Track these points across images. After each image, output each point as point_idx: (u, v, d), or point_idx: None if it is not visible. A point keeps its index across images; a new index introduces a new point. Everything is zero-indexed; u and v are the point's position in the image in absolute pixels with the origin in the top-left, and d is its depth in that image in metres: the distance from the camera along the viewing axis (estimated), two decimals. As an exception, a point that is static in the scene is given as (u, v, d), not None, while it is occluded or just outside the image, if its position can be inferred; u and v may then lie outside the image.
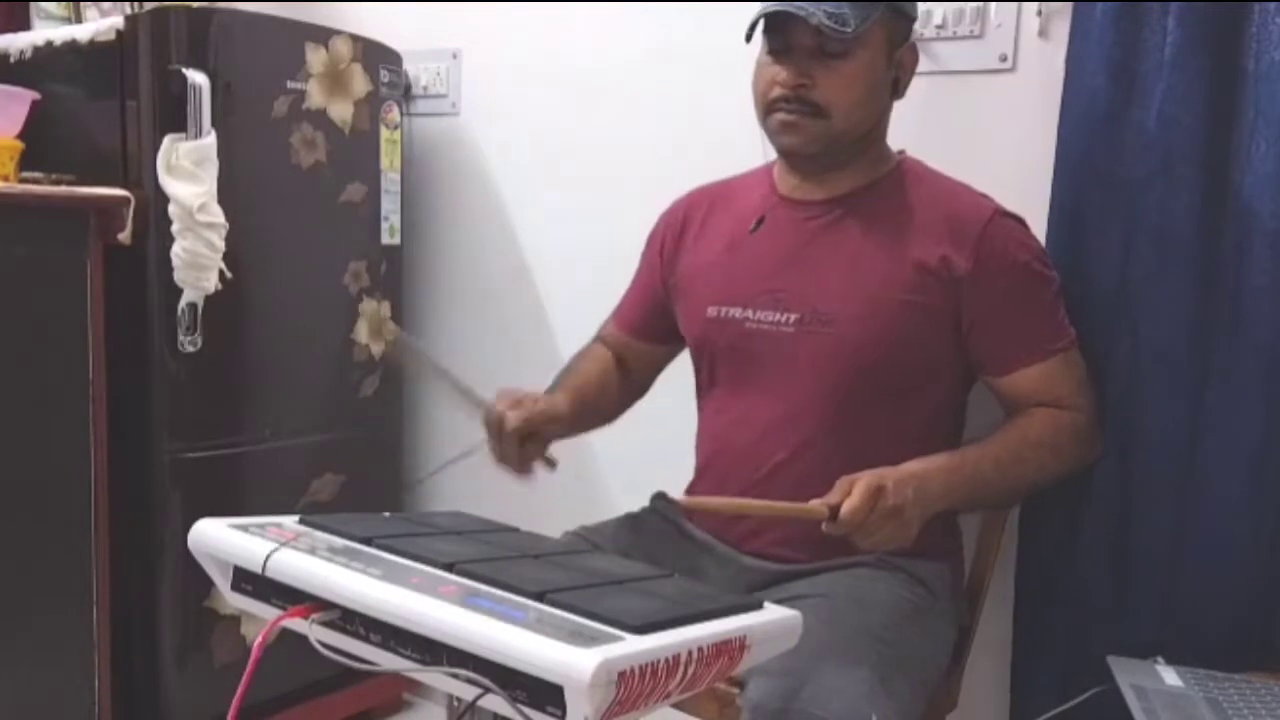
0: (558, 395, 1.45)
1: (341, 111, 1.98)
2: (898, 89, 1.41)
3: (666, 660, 0.83)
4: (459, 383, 1.38)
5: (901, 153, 1.47)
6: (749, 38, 1.36)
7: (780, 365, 1.39)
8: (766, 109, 1.38)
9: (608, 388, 1.58)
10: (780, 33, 1.34)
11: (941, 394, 1.40)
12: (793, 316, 1.38)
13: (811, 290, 1.38)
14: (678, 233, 1.55)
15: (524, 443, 1.35)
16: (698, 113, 1.87)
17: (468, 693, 0.82)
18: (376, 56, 2.05)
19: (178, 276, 1.74)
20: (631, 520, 1.50)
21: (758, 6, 1.34)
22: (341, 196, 2.00)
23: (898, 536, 1.20)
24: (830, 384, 1.36)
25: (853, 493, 1.17)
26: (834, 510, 1.17)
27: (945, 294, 1.34)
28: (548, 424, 1.37)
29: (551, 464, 1.39)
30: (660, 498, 1.51)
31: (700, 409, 1.53)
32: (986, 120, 1.62)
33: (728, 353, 1.44)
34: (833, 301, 1.36)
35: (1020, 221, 1.39)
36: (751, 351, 1.41)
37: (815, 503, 1.19)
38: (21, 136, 1.72)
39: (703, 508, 1.40)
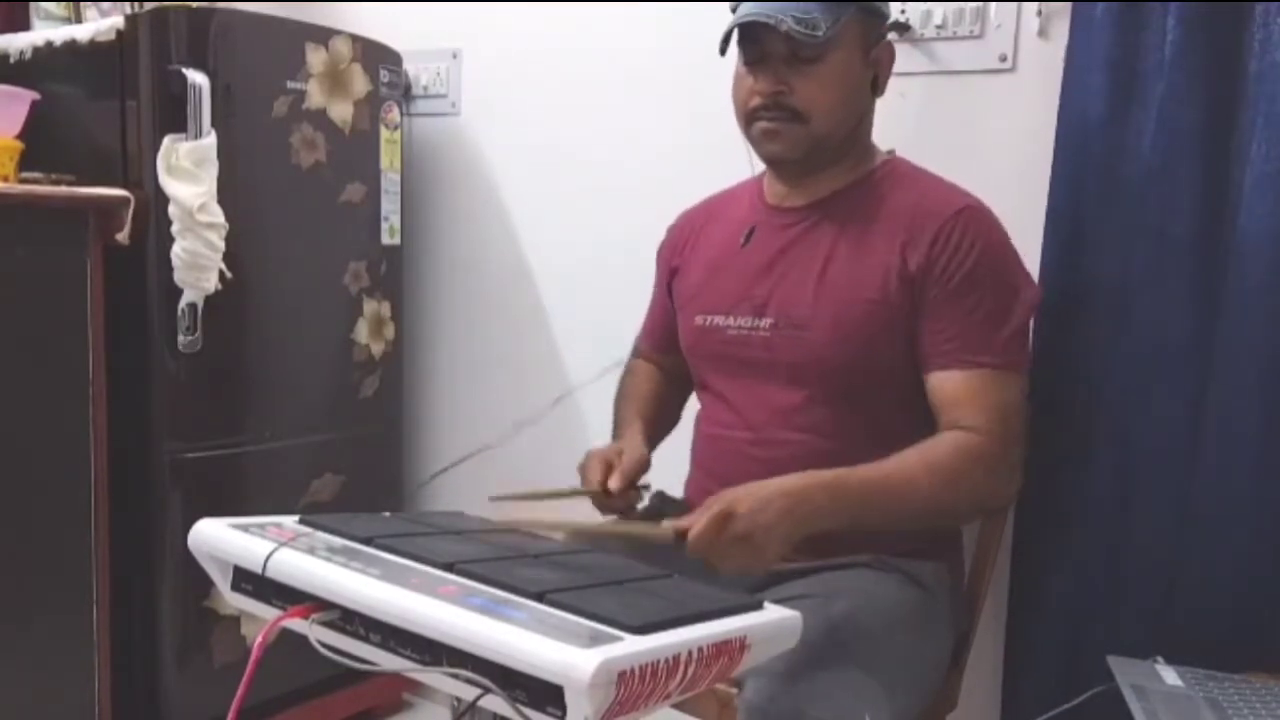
0: (635, 434, 1.48)
1: (341, 111, 1.98)
2: (877, 87, 1.42)
3: (666, 660, 0.83)
4: (554, 490, 1.41)
5: (890, 153, 1.47)
6: (723, 50, 1.37)
7: (760, 370, 1.40)
8: (748, 119, 1.39)
9: (666, 400, 1.64)
10: (754, 42, 1.35)
11: (921, 393, 1.39)
12: (768, 321, 1.39)
13: (785, 296, 1.39)
14: (677, 250, 1.58)
15: (626, 494, 1.38)
16: (698, 112, 1.86)
17: (468, 693, 0.83)
18: (376, 56, 2.05)
19: (178, 276, 1.73)
20: (632, 520, 1.50)
21: (731, 19, 1.35)
22: (341, 196, 2.00)
23: (752, 561, 1.16)
24: (806, 387, 1.36)
25: (700, 518, 1.14)
26: (681, 534, 1.14)
27: (904, 291, 1.32)
28: (640, 471, 1.41)
29: (648, 487, 1.44)
30: (660, 498, 1.51)
31: (698, 413, 1.54)
32: (986, 120, 1.62)
33: (714, 360, 1.46)
34: (804, 306, 1.37)
35: (993, 220, 1.35)
36: (734, 357, 1.42)
37: (666, 524, 1.16)
38: (21, 136, 1.72)
39: (575, 530, 1.32)
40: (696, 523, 1.13)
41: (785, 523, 1.16)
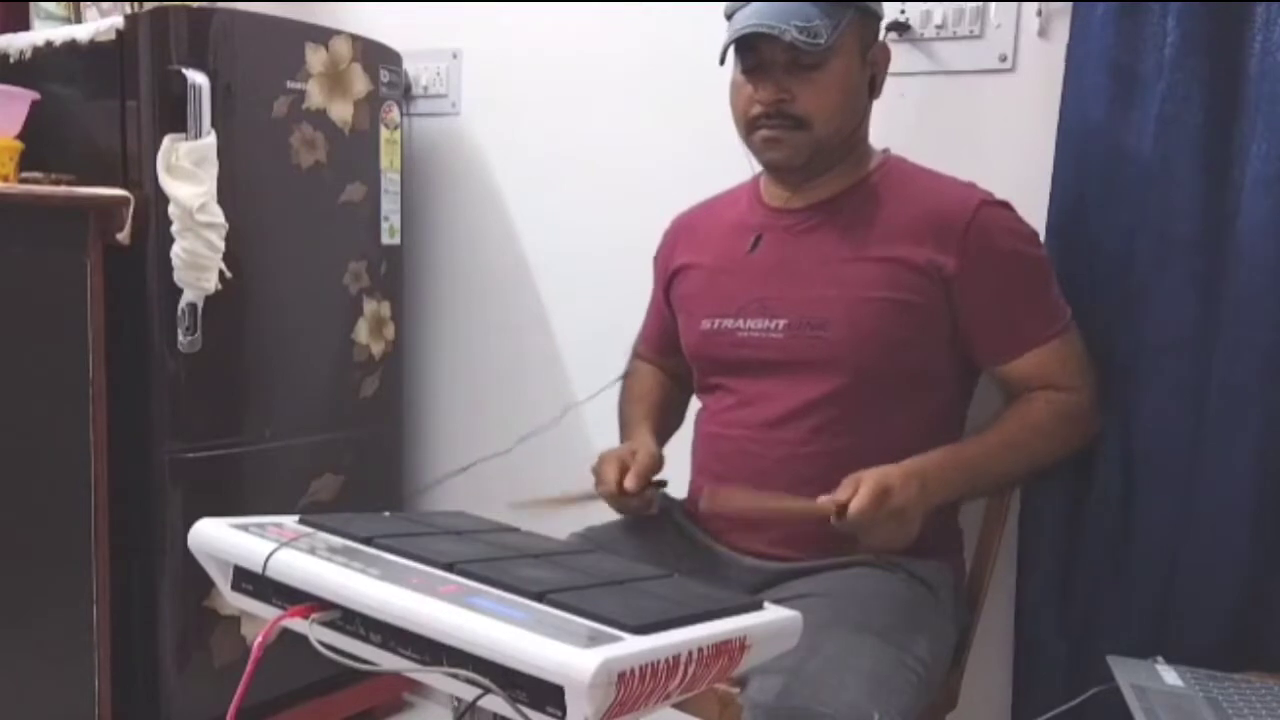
0: (646, 434, 1.51)
1: (341, 111, 1.98)
2: (874, 88, 1.42)
3: (667, 661, 0.83)
4: (574, 495, 1.45)
5: (886, 152, 1.47)
6: (723, 60, 1.36)
7: (773, 371, 1.40)
8: (748, 127, 1.40)
9: (671, 401, 1.66)
10: (753, 50, 1.35)
11: (940, 392, 1.40)
12: (781, 323, 1.39)
13: (799, 297, 1.39)
14: (674, 253, 1.58)
15: (642, 493, 1.40)
16: (698, 112, 1.86)
17: (468, 693, 0.83)
18: (376, 56, 2.05)
19: (178, 276, 1.73)
20: (633, 522, 1.50)
21: (730, 25, 1.35)
22: (341, 196, 2.00)
23: (901, 534, 1.24)
24: (826, 387, 1.36)
25: (860, 491, 1.20)
26: (841, 508, 1.19)
27: (934, 294, 1.34)
28: (654, 468, 1.43)
29: (664, 484, 1.47)
30: (661, 497, 1.52)
31: (698, 414, 1.54)
32: (986, 120, 1.62)
33: (723, 362, 1.46)
34: (821, 307, 1.37)
35: (1006, 207, 1.38)
36: (745, 359, 1.43)
37: (823, 499, 1.21)
38: (21, 136, 1.72)
39: (723, 509, 1.40)
40: (857, 496, 1.19)
41: (926, 498, 1.25)
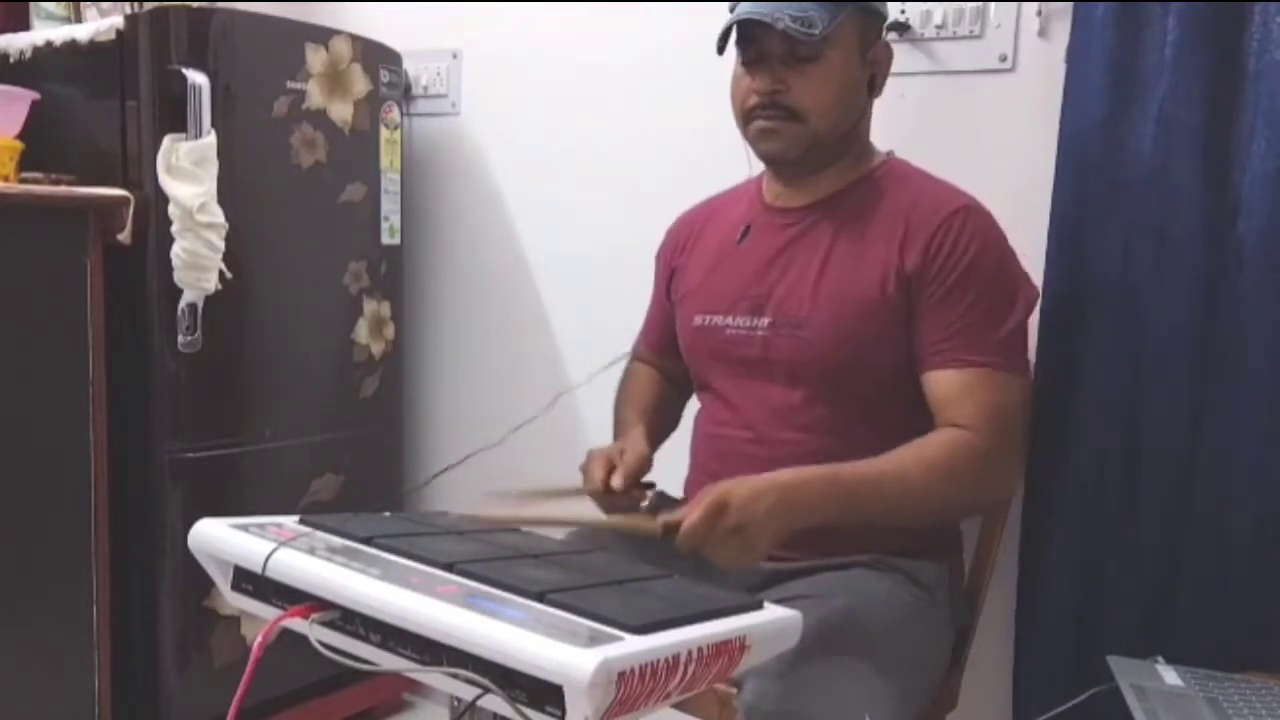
0: (637, 434, 1.46)
1: (341, 111, 1.98)
2: (874, 87, 1.42)
3: (666, 660, 0.83)
4: (552, 488, 1.41)
5: (889, 153, 1.47)
6: (721, 50, 1.37)
7: (758, 369, 1.40)
8: (745, 118, 1.40)
9: (667, 403, 1.64)
10: (751, 42, 1.35)
11: (919, 392, 1.39)
12: (766, 321, 1.39)
13: (783, 295, 1.39)
14: (675, 251, 1.58)
15: (629, 493, 1.37)
16: (698, 112, 1.86)
17: (468, 693, 0.83)
18: (376, 56, 2.05)
19: (178, 276, 1.73)
20: (632, 521, 1.50)
21: (729, 18, 1.35)
22: (341, 196, 2.00)
23: (744, 554, 1.15)
24: (804, 386, 1.36)
25: (693, 509, 1.14)
26: (671, 527, 1.14)
27: (901, 290, 1.32)
28: (643, 469, 1.40)
29: (652, 485, 1.43)
30: (660, 498, 1.52)
31: (697, 414, 1.54)
32: (986, 120, 1.62)
33: (712, 359, 1.46)
34: (802, 306, 1.37)
35: (989, 220, 1.35)
36: (732, 356, 1.43)
37: (661, 520, 1.16)
38: (21, 136, 1.72)
39: (552, 522, 1.34)
40: (690, 514, 1.13)
41: (778, 516, 1.16)
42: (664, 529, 1.15)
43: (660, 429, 1.59)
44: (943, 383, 1.30)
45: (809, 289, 1.37)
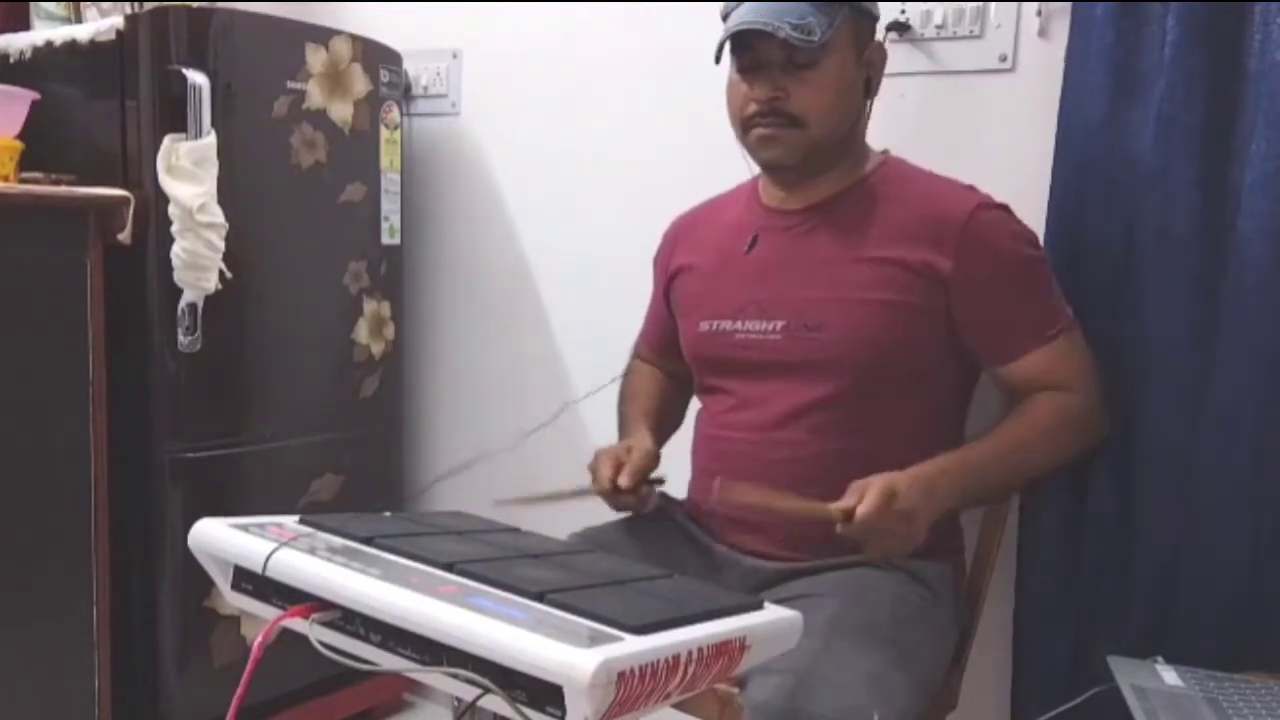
0: (643, 432, 1.50)
1: (341, 111, 1.98)
2: (870, 88, 1.42)
3: (666, 660, 0.83)
4: (564, 491, 1.44)
5: (885, 153, 1.47)
6: (718, 59, 1.37)
7: (771, 373, 1.40)
8: (744, 126, 1.40)
9: (670, 401, 1.66)
10: (748, 49, 1.35)
11: (940, 393, 1.40)
12: (779, 324, 1.39)
13: (795, 298, 1.39)
14: (673, 255, 1.59)
15: (637, 490, 1.39)
16: (697, 112, 1.86)
17: (468, 693, 0.83)
18: (376, 56, 2.05)
19: (178, 276, 1.73)
20: (633, 521, 1.50)
21: (725, 25, 1.35)
22: (341, 196, 2.00)
23: (907, 541, 1.23)
24: (820, 388, 1.36)
25: (866, 497, 1.19)
26: (848, 514, 1.19)
27: (931, 296, 1.34)
28: (650, 466, 1.42)
29: (661, 481, 1.46)
30: (661, 497, 1.52)
31: (698, 415, 1.54)
32: (986, 120, 1.62)
33: (721, 363, 1.46)
34: (817, 308, 1.37)
35: (1004, 209, 1.38)
36: (743, 361, 1.43)
37: (833, 506, 1.20)
38: (21, 136, 1.72)
39: (734, 502, 1.39)
40: (864, 502, 1.18)
41: (933, 503, 1.24)
42: (842, 514, 1.20)
43: (665, 426, 1.60)
44: (1032, 362, 1.35)
45: (823, 291, 1.37)
